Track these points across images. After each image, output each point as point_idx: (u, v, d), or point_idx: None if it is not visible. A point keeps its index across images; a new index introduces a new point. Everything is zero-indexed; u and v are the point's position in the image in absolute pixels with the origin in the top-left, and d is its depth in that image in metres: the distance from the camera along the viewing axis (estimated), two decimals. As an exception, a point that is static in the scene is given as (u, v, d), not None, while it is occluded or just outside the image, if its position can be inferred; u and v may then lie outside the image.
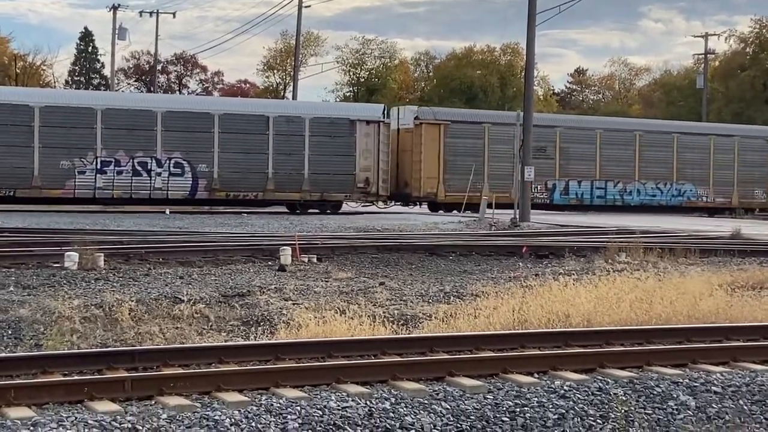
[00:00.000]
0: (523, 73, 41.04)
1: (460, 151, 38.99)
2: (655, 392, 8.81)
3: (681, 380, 9.15)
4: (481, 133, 39.40)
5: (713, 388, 9.04)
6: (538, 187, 39.61)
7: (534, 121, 40.56)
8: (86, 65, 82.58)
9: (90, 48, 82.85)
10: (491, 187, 38.71)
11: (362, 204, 39.00)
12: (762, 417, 8.69)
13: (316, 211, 36.35)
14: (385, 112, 38.60)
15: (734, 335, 11.33)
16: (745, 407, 8.78)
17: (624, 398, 8.55)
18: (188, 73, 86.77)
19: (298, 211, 36.16)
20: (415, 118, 38.83)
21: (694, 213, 42.72)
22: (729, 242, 24.44)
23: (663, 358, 9.88)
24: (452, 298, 14.65)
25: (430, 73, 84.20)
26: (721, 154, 43.60)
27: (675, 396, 8.77)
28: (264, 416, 7.48)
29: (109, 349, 10.08)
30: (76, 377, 8.28)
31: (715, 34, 73.55)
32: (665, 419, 8.39)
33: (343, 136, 36.81)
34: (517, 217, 31.27)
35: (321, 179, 36.47)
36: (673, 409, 8.56)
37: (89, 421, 7.11)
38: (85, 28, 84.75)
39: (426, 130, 38.58)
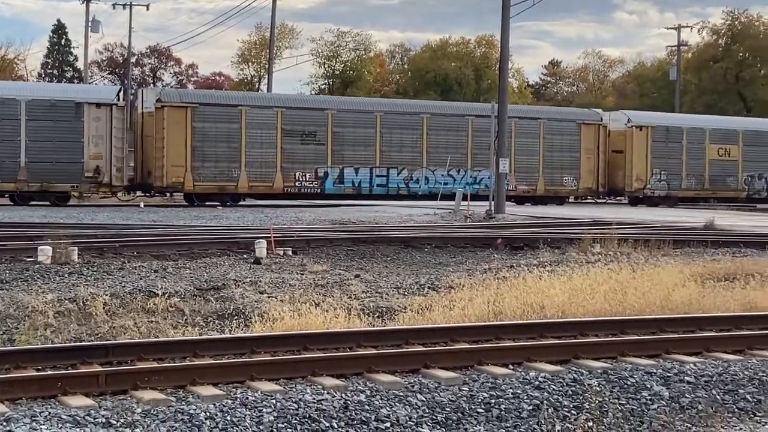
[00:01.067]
0: (497, 65, 40.85)
1: (212, 137, 35.75)
2: (629, 382, 8.86)
3: (655, 370, 9.22)
4: (237, 117, 36.23)
5: (686, 378, 9.11)
6: (307, 175, 37.21)
7: (301, 104, 38.76)
8: (59, 58, 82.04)
9: (63, 41, 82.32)
10: (250, 176, 36.49)
11: (100, 195, 36.21)
12: (734, 406, 8.77)
13: (46, 203, 33.71)
14: (120, 94, 35.76)
15: (707, 326, 11.42)
16: (717, 397, 8.86)
17: (598, 389, 8.60)
18: (162, 66, 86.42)
19: (20, 203, 33.56)
20: (157, 101, 35.47)
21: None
22: (702, 233, 24.59)
23: (637, 348, 9.94)
24: (427, 290, 14.67)
25: (405, 66, 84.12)
26: (525, 138, 40.51)
27: (649, 386, 8.83)
28: (239, 410, 7.47)
29: (83, 343, 10.02)
30: (49, 372, 8.24)
31: (687, 26, 73.76)
32: (639, 409, 8.45)
33: (68, 120, 33.68)
34: (492, 209, 31.33)
35: (41, 168, 33.31)
36: (647, 399, 8.62)
37: (63, 417, 7.08)
38: (58, 21, 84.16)
39: (169, 114, 35.13)
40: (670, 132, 43.37)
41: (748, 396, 8.93)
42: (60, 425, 6.93)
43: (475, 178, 39.72)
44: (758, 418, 8.59)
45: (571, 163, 41.62)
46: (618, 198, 45.35)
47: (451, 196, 37.41)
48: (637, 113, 46.88)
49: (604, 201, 45.65)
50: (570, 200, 43.64)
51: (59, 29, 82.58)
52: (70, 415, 7.11)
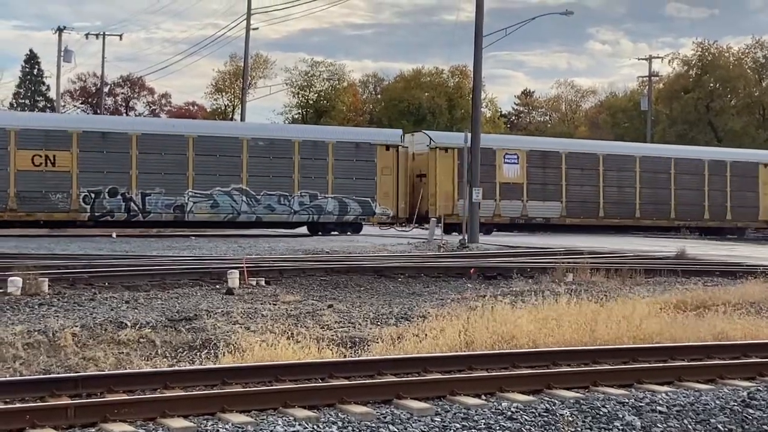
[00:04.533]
0: (471, 95, 41.02)
1: None
2: (601, 412, 8.86)
3: (627, 400, 9.23)
4: None
5: (658, 407, 9.11)
6: None
7: None
8: (31, 88, 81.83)
9: (35, 70, 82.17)
10: None
11: None
12: (706, 436, 8.77)
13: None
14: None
15: (678, 355, 11.45)
16: (689, 426, 8.86)
17: (571, 419, 8.59)
18: (135, 96, 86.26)
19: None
20: None
21: None
22: (673, 262, 24.72)
23: (609, 378, 9.95)
24: (400, 320, 14.63)
25: (379, 95, 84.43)
26: None
27: (621, 416, 8.83)
28: (209, 442, 7.40)
29: (52, 375, 9.92)
30: (17, 405, 8.13)
31: (658, 57, 74.53)
32: (611, 439, 8.43)
33: None
34: (466, 238, 31.41)
35: None
36: (619, 429, 8.61)
37: (30, 450, 6.99)
38: (31, 51, 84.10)
39: None
40: None
41: (719, 426, 8.95)
42: (27, 459, 6.84)
43: None
44: (729, 447, 8.61)
45: None
46: None
47: None
48: None
49: None
50: None
51: (32, 59, 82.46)
52: (37, 449, 7.03)
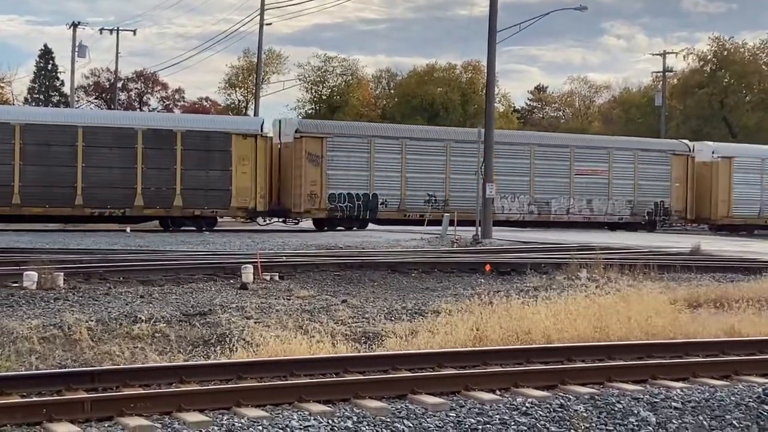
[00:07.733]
0: (484, 91, 40.86)
1: None
2: (616, 408, 8.86)
3: (641, 396, 9.22)
4: None
5: (673, 403, 9.11)
6: None
7: None
8: (46, 83, 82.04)
9: (50, 65, 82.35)
10: None
11: None
12: (721, 432, 8.77)
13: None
14: None
15: (693, 351, 11.44)
16: (704, 422, 8.86)
17: (585, 414, 8.59)
18: (149, 91, 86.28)
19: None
20: None
21: None
22: (687, 258, 24.67)
23: (623, 374, 9.95)
24: (414, 315, 14.65)
25: (392, 90, 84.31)
26: None
27: (636, 412, 8.83)
28: (225, 436, 7.43)
29: (68, 369, 9.97)
30: (34, 399, 8.19)
31: (673, 52, 74.23)
32: (626, 435, 8.43)
33: None
34: (479, 233, 31.37)
35: None
36: (634, 425, 8.62)
37: (47, 443, 7.03)
38: (45, 46, 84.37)
39: None
40: None
41: (734, 422, 8.94)
42: (44, 452, 6.88)
43: None
44: (745, 443, 8.60)
45: None
46: None
47: None
48: None
49: None
50: None
51: (46, 54, 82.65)
52: (54, 442, 7.07)
